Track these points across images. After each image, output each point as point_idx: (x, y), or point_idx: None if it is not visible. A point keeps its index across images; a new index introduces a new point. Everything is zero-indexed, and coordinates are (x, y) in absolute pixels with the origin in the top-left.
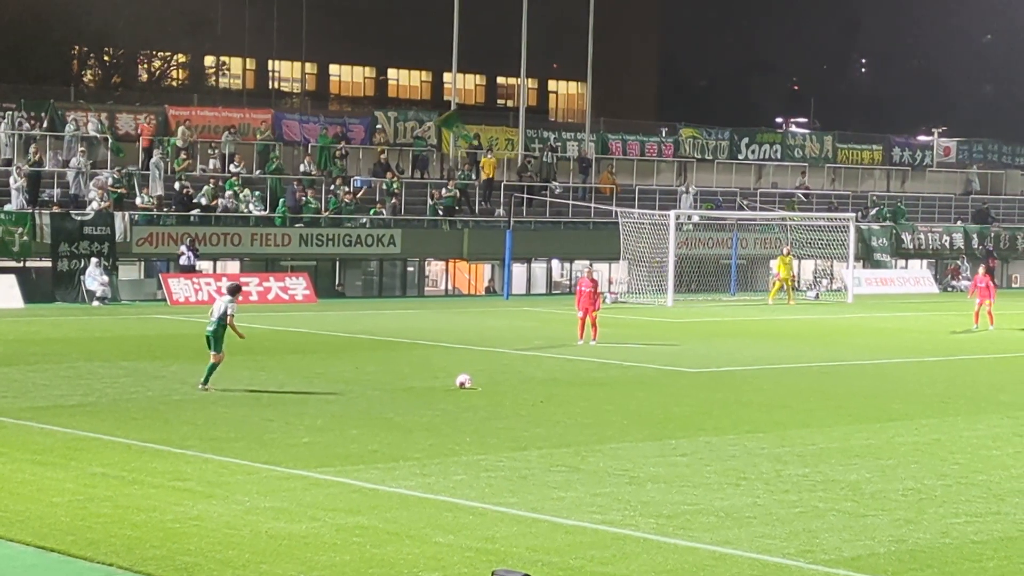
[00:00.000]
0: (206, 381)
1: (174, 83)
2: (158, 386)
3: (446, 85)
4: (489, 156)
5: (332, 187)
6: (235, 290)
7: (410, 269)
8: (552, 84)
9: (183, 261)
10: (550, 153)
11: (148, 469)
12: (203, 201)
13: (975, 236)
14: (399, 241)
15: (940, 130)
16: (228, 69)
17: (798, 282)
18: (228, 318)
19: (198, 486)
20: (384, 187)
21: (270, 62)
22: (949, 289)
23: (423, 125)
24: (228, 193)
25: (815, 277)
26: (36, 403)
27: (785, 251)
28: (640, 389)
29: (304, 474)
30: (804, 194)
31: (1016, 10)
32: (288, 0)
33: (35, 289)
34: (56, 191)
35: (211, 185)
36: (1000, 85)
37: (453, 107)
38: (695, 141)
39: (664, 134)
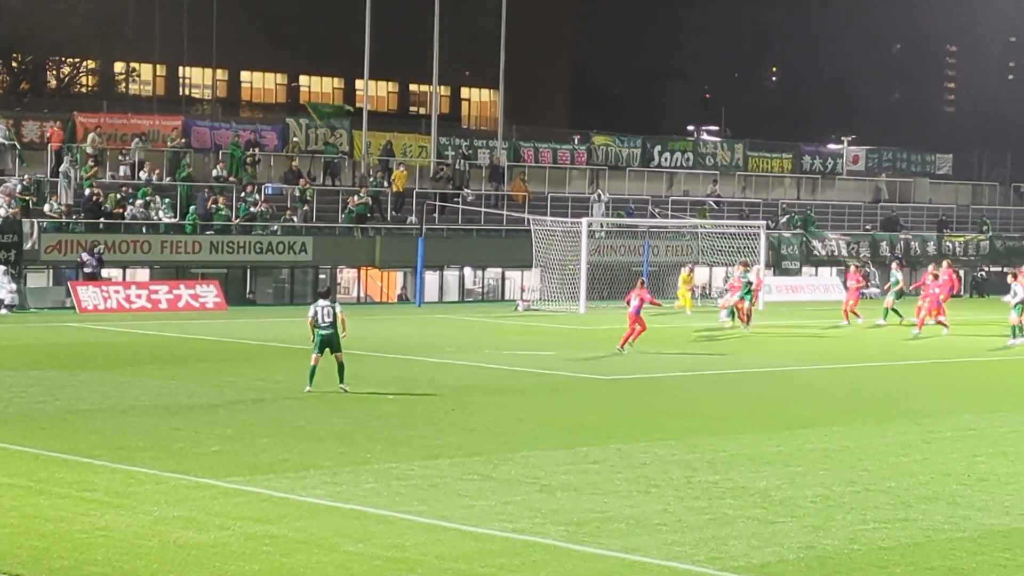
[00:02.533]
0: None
1: (83, 89)
2: (66, 395)
3: (358, 92)
4: (400, 169)
5: (243, 194)
6: (327, 293)
7: (322, 276)
8: (464, 91)
9: (88, 268)
10: (462, 160)
11: (55, 479)
12: (111, 208)
13: (884, 243)
14: (310, 248)
15: (849, 138)
16: (138, 75)
17: (709, 290)
18: (340, 316)
19: (106, 496)
20: (296, 194)
21: (181, 68)
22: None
23: (335, 132)
24: (139, 201)
25: (726, 284)
26: None
27: (687, 270)
28: (552, 397)
29: (213, 483)
30: (715, 202)
31: (924, 21)
32: (199, 6)
33: None
34: None
35: (121, 192)
36: (908, 94)
37: (347, 109)
38: (607, 149)
39: (576, 142)
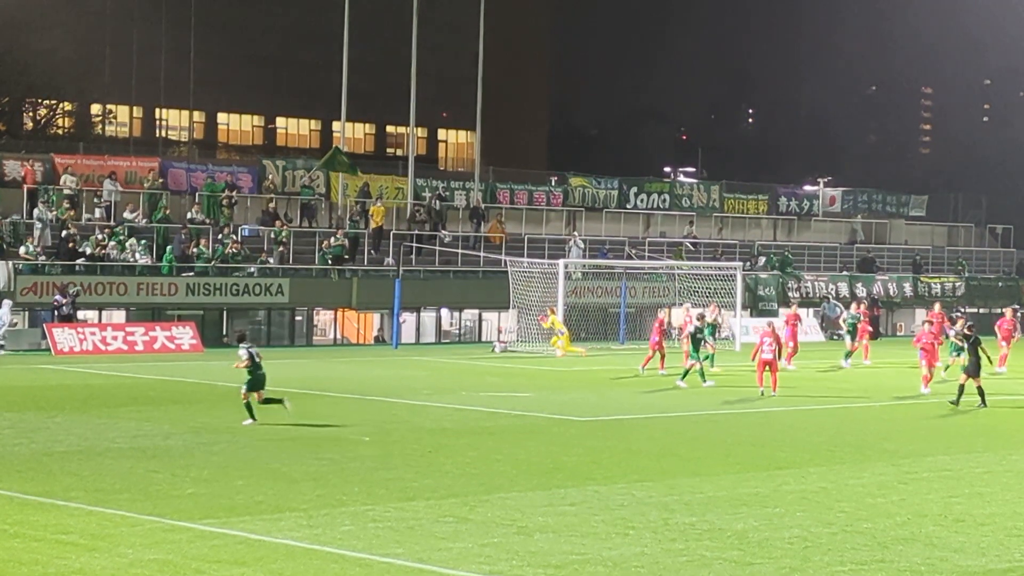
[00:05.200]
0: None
1: (60, 131)
2: (42, 437)
3: (335, 134)
4: (378, 204)
5: (220, 236)
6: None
7: (298, 318)
8: (441, 133)
9: (64, 311)
10: (439, 202)
11: (30, 522)
12: (88, 250)
13: (860, 285)
14: (287, 290)
15: (825, 180)
16: (115, 117)
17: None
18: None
19: (81, 539)
20: (272, 236)
21: (157, 110)
22: (835, 337)
23: (311, 173)
24: (111, 243)
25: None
26: None
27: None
28: (529, 438)
29: (189, 526)
30: (692, 243)
31: (900, 63)
32: (175, 48)
33: None
34: None
35: (104, 234)
36: (884, 136)
37: (334, 148)
38: (584, 190)
39: (553, 183)
